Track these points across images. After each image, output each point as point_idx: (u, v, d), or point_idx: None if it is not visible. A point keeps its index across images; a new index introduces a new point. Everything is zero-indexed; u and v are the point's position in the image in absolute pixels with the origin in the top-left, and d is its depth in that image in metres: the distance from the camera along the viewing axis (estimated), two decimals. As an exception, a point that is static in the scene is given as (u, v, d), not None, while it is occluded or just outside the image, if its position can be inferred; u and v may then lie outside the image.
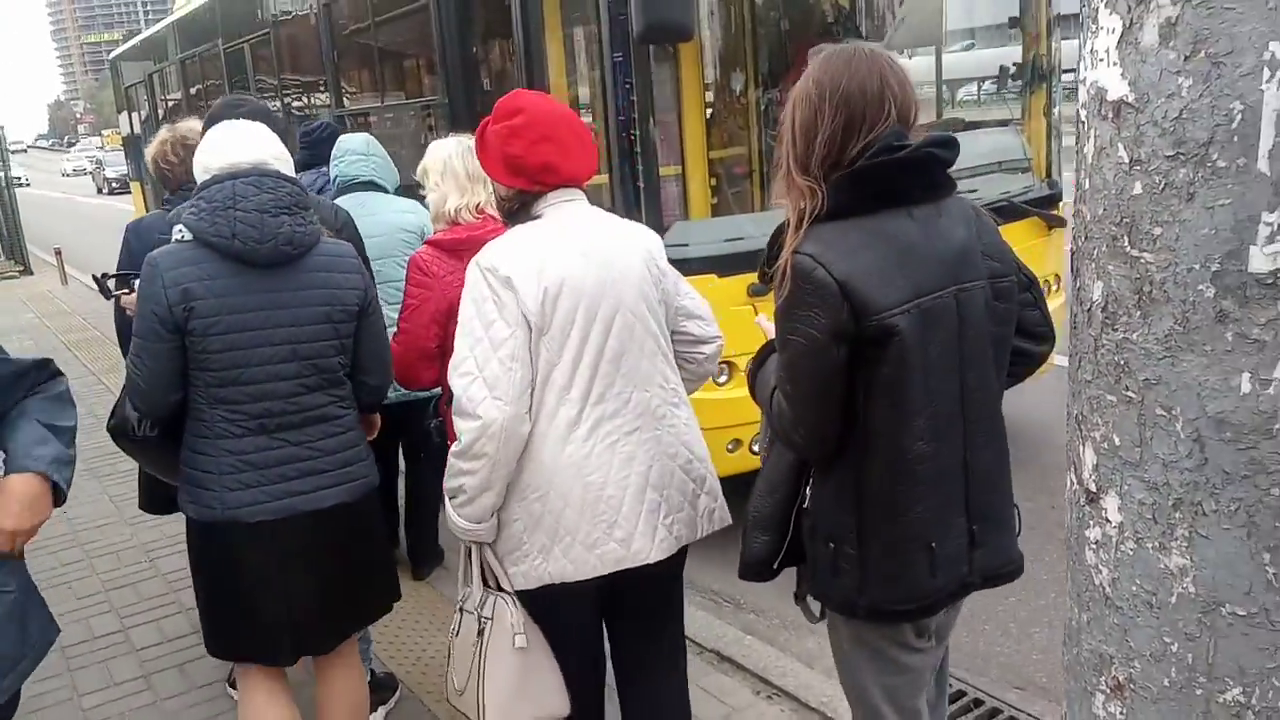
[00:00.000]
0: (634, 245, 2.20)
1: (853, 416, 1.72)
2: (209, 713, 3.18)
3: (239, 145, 2.30)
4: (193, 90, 9.40)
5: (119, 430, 2.45)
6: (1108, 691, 1.02)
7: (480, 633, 2.15)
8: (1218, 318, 0.88)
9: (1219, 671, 0.92)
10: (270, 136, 2.38)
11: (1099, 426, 1.00)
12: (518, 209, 2.19)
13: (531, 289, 2.01)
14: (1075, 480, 1.05)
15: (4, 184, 15.86)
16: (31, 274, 15.35)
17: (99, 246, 17.60)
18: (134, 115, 12.41)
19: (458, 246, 2.68)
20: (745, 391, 3.57)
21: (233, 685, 3.20)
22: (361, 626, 2.56)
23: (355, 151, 3.78)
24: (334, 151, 3.86)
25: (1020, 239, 4.89)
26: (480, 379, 1.99)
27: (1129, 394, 0.96)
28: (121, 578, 4.22)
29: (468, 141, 2.68)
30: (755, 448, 4.30)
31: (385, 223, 3.62)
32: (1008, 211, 4.70)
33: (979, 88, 6.43)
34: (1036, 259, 4.96)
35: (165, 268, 2.17)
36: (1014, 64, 5.29)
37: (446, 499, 2.13)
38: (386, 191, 3.80)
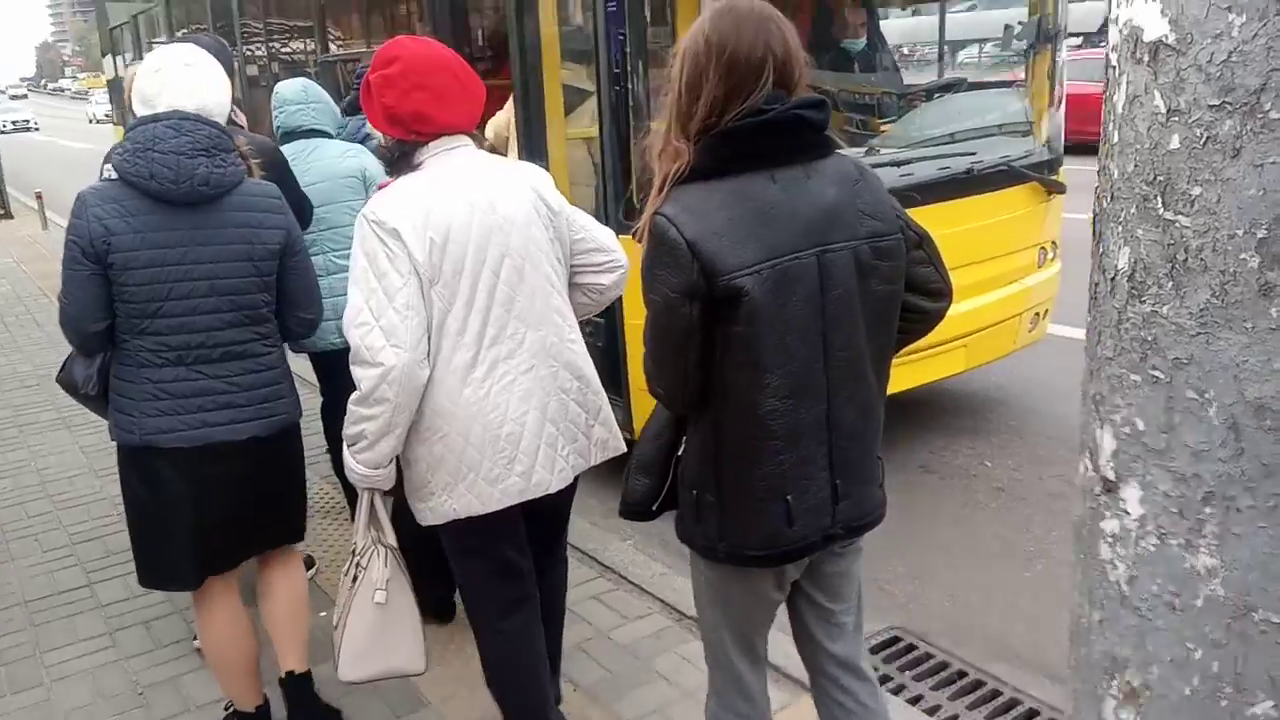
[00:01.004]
0: (519, 188, 2.25)
1: (711, 373, 1.76)
2: (174, 672, 3.09)
3: (161, 90, 2.35)
4: (178, 34, 9.14)
5: (66, 384, 2.61)
6: (1119, 697, 0.93)
7: (355, 580, 2.29)
8: (1262, 291, 0.78)
9: (1248, 682, 0.83)
10: (196, 81, 2.39)
11: (1120, 409, 0.90)
12: (398, 158, 2.25)
13: (418, 240, 2.08)
14: (1090, 466, 0.95)
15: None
16: (12, 218, 15.11)
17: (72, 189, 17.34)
18: (118, 58, 12.10)
19: None
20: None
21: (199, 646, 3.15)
22: (262, 547, 2.66)
23: (293, 101, 3.70)
24: (273, 102, 3.78)
25: (1019, 204, 4.77)
26: (377, 328, 2.06)
27: (1156, 374, 0.86)
28: (89, 531, 4.11)
29: None
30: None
31: (324, 170, 3.56)
32: (1008, 176, 4.60)
33: (980, 49, 6.28)
34: (1034, 226, 4.85)
35: (91, 203, 2.29)
36: (1019, 23, 5.14)
37: (345, 446, 2.21)
38: (330, 136, 3.73)
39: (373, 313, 2.06)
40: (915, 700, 2.99)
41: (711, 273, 1.66)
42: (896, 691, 3.02)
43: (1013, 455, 4.71)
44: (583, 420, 2.33)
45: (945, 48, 5.44)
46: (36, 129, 44.12)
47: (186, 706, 2.92)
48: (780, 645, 3.12)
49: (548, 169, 4.36)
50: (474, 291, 2.14)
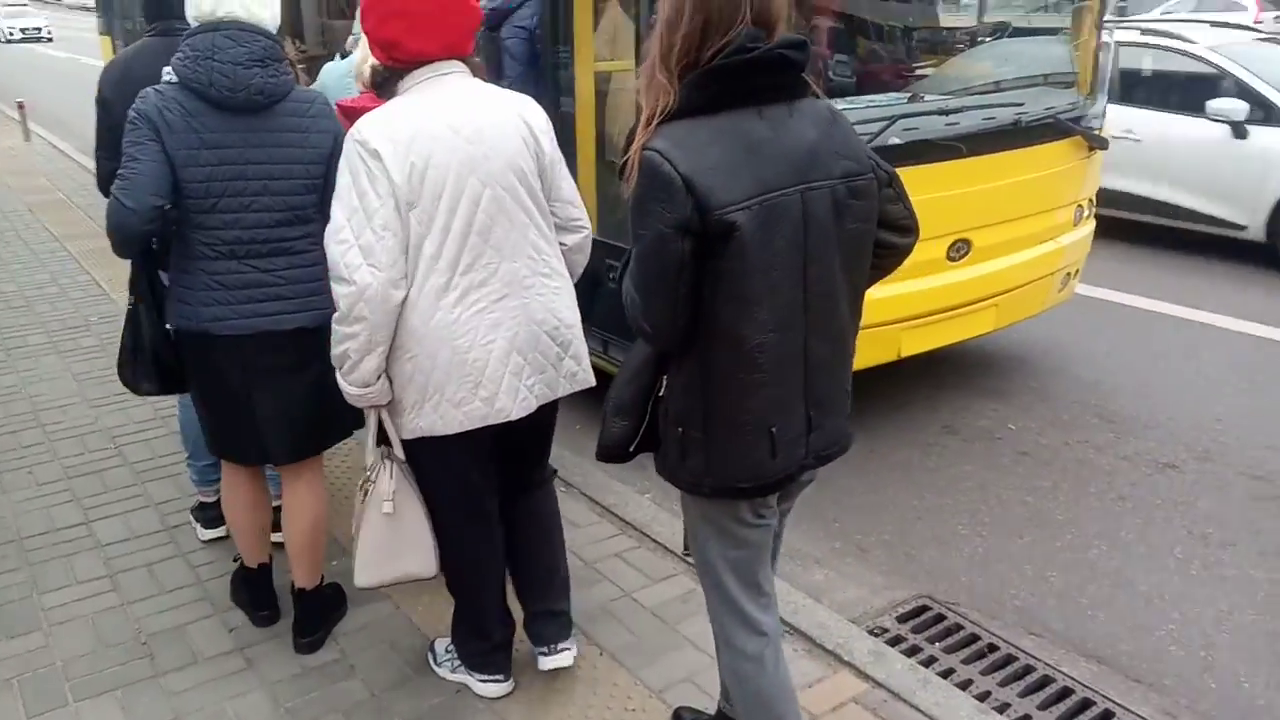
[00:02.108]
0: (509, 118, 2.28)
1: (700, 308, 1.79)
2: (179, 620, 2.95)
3: (216, 6, 2.46)
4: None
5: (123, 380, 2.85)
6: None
7: (366, 492, 2.39)
8: None
9: None
10: None
11: None
12: (381, 83, 2.34)
13: (399, 164, 2.11)
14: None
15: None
16: (-8, 128, 14.61)
17: (65, 102, 16.77)
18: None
19: (356, 116, 2.88)
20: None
21: (194, 517, 3.42)
22: (320, 444, 2.83)
23: None
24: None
25: (1061, 159, 4.57)
26: (356, 246, 2.11)
27: None
28: (85, 465, 3.93)
29: None
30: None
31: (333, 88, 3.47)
32: (1052, 129, 4.39)
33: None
34: (1074, 182, 4.66)
35: (153, 98, 2.44)
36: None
37: (336, 368, 2.26)
38: None
39: (353, 231, 2.12)
40: (947, 674, 2.91)
41: (705, 207, 1.69)
42: (927, 664, 2.93)
43: (1036, 418, 4.60)
44: (553, 352, 2.38)
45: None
46: (50, 39, 35.78)
47: (194, 658, 2.78)
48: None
49: (573, 104, 4.17)
50: (451, 217, 2.17)
